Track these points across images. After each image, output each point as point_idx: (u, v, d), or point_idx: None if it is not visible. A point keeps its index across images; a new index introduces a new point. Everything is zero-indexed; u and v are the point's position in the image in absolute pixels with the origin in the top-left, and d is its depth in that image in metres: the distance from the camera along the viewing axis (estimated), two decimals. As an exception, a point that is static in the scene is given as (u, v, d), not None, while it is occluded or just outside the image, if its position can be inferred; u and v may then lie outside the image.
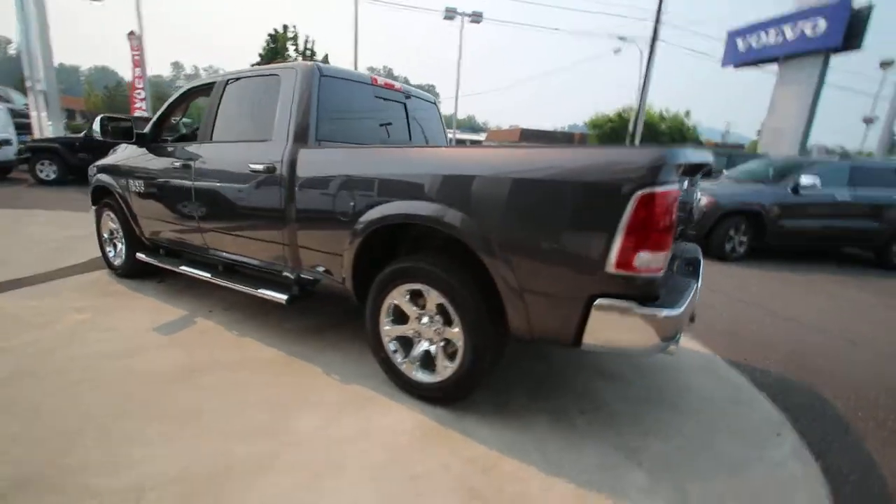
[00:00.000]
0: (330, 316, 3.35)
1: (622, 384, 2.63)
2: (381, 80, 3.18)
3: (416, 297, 2.25)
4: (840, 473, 1.98)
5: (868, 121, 31.08)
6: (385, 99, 3.23)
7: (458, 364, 2.12)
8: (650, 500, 1.73)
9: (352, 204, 2.31)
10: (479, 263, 2.02)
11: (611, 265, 1.67)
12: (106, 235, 4.19)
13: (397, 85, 3.32)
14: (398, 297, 2.28)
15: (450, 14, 18.06)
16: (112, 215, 3.98)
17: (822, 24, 15.83)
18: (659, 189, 1.59)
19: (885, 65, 24.53)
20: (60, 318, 3.11)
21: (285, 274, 2.81)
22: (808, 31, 16.37)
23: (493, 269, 1.90)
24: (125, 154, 3.83)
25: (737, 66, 20.10)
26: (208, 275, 3.19)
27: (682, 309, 1.73)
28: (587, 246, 1.70)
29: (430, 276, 2.11)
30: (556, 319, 1.85)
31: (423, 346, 2.29)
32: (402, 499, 1.66)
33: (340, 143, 2.76)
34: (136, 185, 3.58)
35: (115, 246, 4.17)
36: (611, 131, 33.23)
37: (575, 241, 1.73)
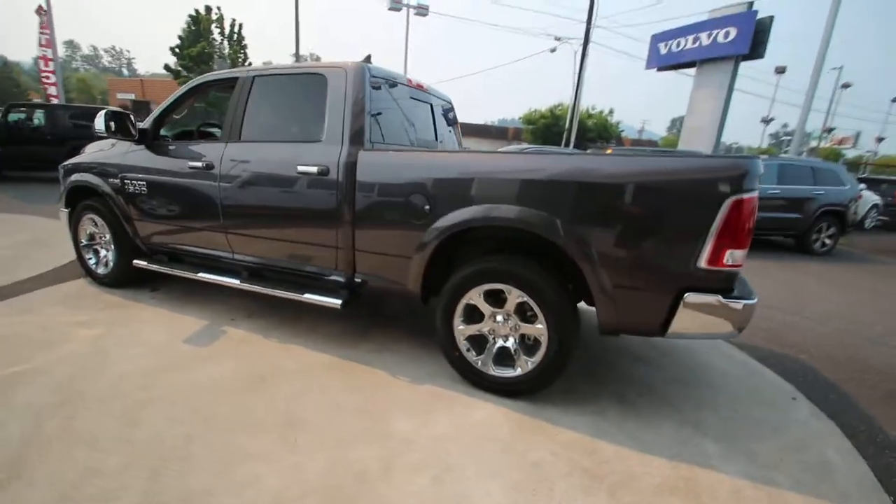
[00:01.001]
0: (362, 318, 3.33)
1: (656, 367, 2.92)
2: (413, 82, 3.19)
3: (491, 296, 2.35)
4: (851, 427, 2.40)
5: (767, 121, 35.45)
6: (417, 100, 3.24)
7: (541, 357, 2.26)
8: (732, 464, 2.00)
9: (427, 208, 2.34)
10: (563, 263, 2.18)
11: (703, 262, 1.90)
12: (84, 241, 3.78)
13: (425, 86, 3.35)
14: (475, 297, 2.37)
15: (395, 5, 17.81)
16: (96, 219, 3.61)
17: (732, 32, 17.67)
18: (746, 195, 1.84)
19: (779, 70, 28.01)
20: (69, 334, 2.82)
21: (333, 277, 2.78)
22: (721, 39, 18.19)
23: (587, 270, 2.06)
24: (114, 152, 3.48)
25: (659, 68, 21.75)
26: (236, 281, 3.04)
27: (756, 298, 2.01)
28: (682, 246, 1.92)
29: (515, 276, 2.23)
30: (646, 313, 2.06)
31: (499, 343, 2.40)
32: (530, 485, 1.78)
33: (386, 145, 2.76)
34: (136, 186, 3.28)
35: (96, 253, 3.79)
36: (544, 127, 34.64)
37: (670, 242, 1.94)
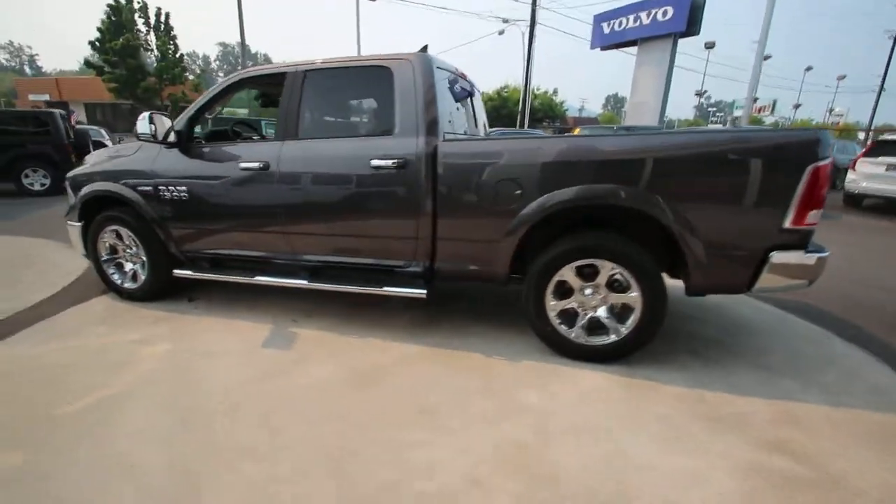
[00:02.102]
0: (420, 307, 3.39)
1: (702, 322, 3.23)
2: (458, 70, 3.24)
3: (581, 271, 2.51)
4: (881, 354, 2.80)
5: (700, 94, 38.06)
6: (463, 88, 3.29)
7: (635, 323, 2.46)
8: (812, 395, 2.31)
9: (519, 192, 2.44)
10: (652, 234, 2.37)
11: (788, 222, 2.15)
12: (105, 255, 3.54)
13: (467, 75, 3.40)
14: (567, 273, 2.51)
15: None
16: (122, 231, 3.38)
17: (670, 11, 18.67)
18: (822, 162, 2.10)
19: (708, 46, 30.04)
20: (135, 354, 2.68)
21: (410, 268, 2.82)
22: (660, 17, 19.18)
23: (685, 239, 2.26)
24: (139, 157, 3.26)
25: (603, 48, 22.60)
26: (303, 282, 3.00)
27: (828, 252, 2.30)
28: (771, 210, 2.16)
29: (610, 250, 2.39)
30: (736, 273, 2.30)
31: (589, 314, 2.57)
32: (669, 433, 1.98)
33: (453, 133, 2.82)
34: (174, 192, 3.11)
35: (119, 267, 3.57)
36: (492, 109, 35.11)
37: (761, 207, 2.17)
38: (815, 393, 2.34)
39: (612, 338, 2.53)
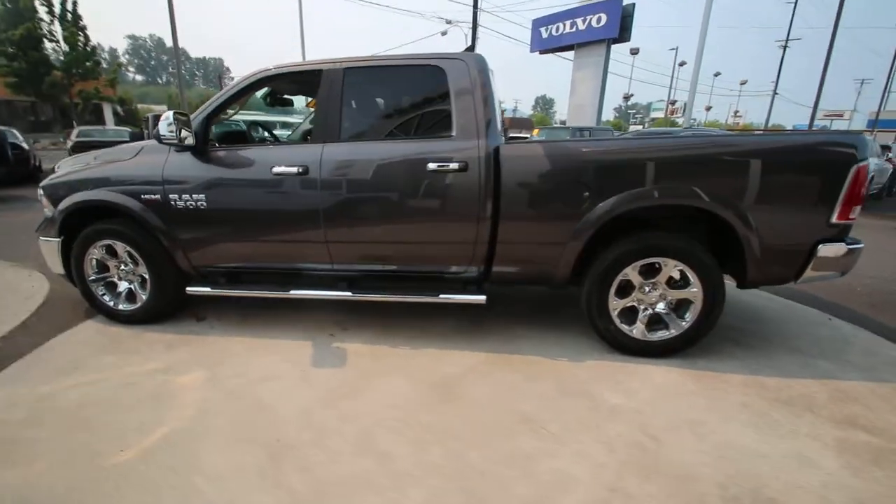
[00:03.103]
0: (458, 311, 3.31)
1: (729, 313, 3.43)
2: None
3: (643, 269, 2.59)
4: (882, 332, 3.16)
5: (627, 97, 40.81)
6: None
7: (695, 317, 2.57)
8: (848, 373, 2.55)
9: (587, 195, 2.46)
10: (705, 231, 2.51)
11: (834, 217, 2.36)
12: (93, 275, 3.10)
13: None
14: (631, 272, 2.57)
15: None
16: (117, 246, 2.98)
17: (604, 17, 19.78)
18: (863, 163, 2.32)
19: (633, 52, 32.29)
20: (168, 385, 2.37)
21: (465, 274, 2.75)
22: (594, 23, 20.23)
23: (745, 236, 2.40)
24: (143, 161, 2.89)
25: (542, 52, 23.46)
26: (346, 294, 2.82)
27: (863, 244, 2.54)
28: (820, 206, 2.35)
29: (675, 249, 2.48)
30: (787, 265, 2.48)
31: (649, 310, 2.65)
32: (758, 419, 2.09)
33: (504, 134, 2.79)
34: (189, 201, 2.79)
35: (111, 287, 3.15)
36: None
37: (811, 204, 2.36)
38: (851, 371, 2.58)
39: (672, 332, 2.63)
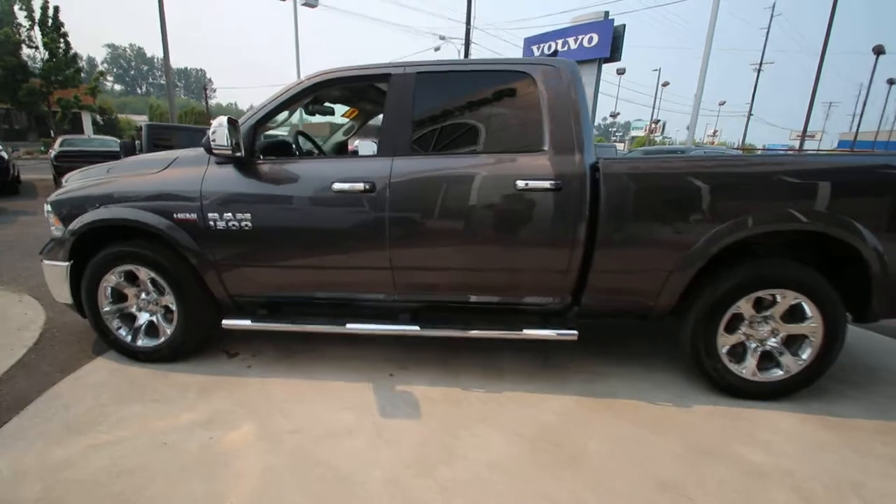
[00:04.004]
0: (525, 347, 2.97)
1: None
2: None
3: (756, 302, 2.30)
4: None
5: (614, 115, 41.64)
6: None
7: (814, 354, 2.29)
8: None
9: (702, 217, 2.18)
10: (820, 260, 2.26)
11: None
12: (107, 306, 2.66)
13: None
14: (745, 305, 2.29)
15: None
16: (141, 272, 2.57)
17: (595, 37, 20.06)
18: None
19: (620, 72, 32.99)
20: (220, 444, 1.96)
21: (550, 306, 2.43)
22: (586, 43, 20.47)
23: (875, 266, 2.14)
24: (175, 175, 2.51)
25: (534, 69, 23.56)
26: (414, 327, 2.46)
27: None
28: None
29: (798, 280, 2.20)
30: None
31: (760, 348, 2.36)
32: (874, 463, 1.81)
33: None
34: (232, 220, 2.41)
35: (127, 319, 2.72)
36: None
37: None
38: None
39: (787, 371, 2.34)
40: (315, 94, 2.57)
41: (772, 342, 2.36)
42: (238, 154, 2.28)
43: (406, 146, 2.35)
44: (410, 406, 2.28)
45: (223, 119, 2.20)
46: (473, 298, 2.49)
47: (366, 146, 4.33)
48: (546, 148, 2.26)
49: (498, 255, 2.35)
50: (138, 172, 2.60)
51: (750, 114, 39.37)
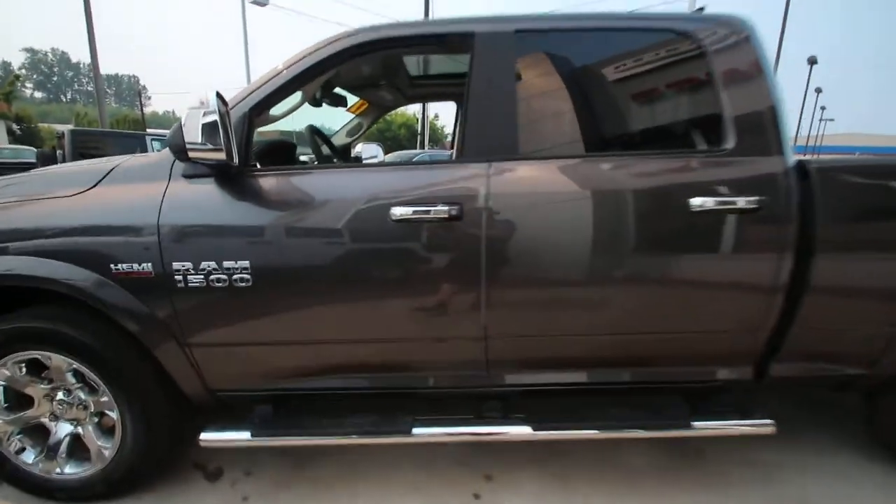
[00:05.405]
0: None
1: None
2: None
3: None
4: None
5: None
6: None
7: None
8: None
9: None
10: None
11: None
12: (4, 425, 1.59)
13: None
14: None
15: None
16: (58, 359, 1.52)
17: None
18: None
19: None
20: None
21: (724, 379, 1.63)
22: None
23: None
24: (110, 200, 1.50)
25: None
26: (525, 429, 1.57)
27: None
28: None
29: None
30: None
31: None
32: None
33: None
34: (220, 271, 1.42)
35: (39, 437, 1.66)
36: (377, 131, 34.21)
37: None
38: None
39: None
40: (343, 62, 1.61)
41: None
42: (233, 162, 1.31)
43: (510, 145, 1.47)
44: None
45: (209, 96, 1.22)
46: (599, 377, 1.64)
47: (370, 150, 3.29)
48: (730, 147, 1.46)
49: (656, 311, 1.52)
50: (49, 192, 1.55)
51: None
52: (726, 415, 1.65)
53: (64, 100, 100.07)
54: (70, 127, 8.29)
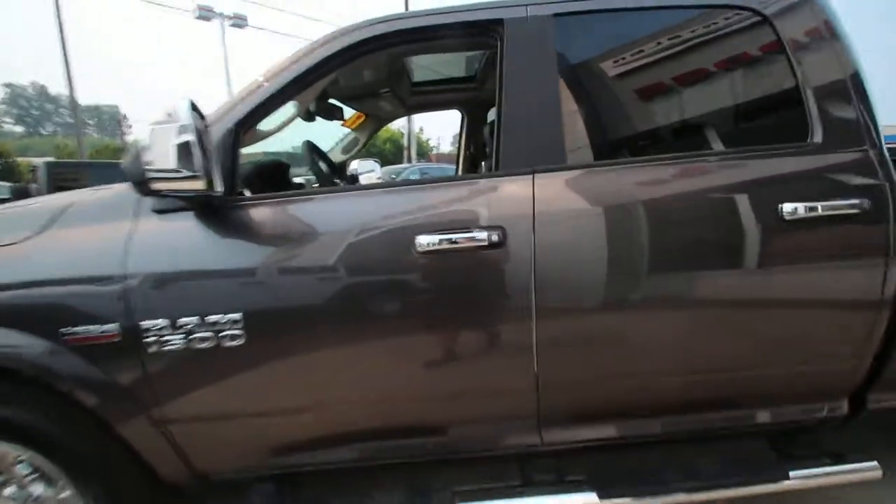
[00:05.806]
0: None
1: None
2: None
3: None
4: None
5: None
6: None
7: None
8: None
9: None
10: None
11: None
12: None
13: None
14: None
15: (205, 13, 14.27)
16: (5, 449, 1.20)
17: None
18: None
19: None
20: None
21: (815, 417, 1.37)
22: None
23: None
24: (55, 243, 1.20)
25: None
26: (588, 495, 1.28)
27: None
28: None
29: None
30: None
31: None
32: None
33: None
34: (204, 328, 1.12)
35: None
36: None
37: None
38: None
39: None
40: (350, 61, 1.33)
41: None
42: (215, 190, 1.02)
43: (556, 152, 1.20)
44: None
45: (182, 105, 0.93)
46: (672, 425, 1.36)
47: (366, 166, 2.95)
48: (816, 138, 1.22)
49: (743, 341, 1.26)
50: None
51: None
52: (819, 459, 1.38)
53: (45, 133, 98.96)
54: (45, 159, 7.95)
